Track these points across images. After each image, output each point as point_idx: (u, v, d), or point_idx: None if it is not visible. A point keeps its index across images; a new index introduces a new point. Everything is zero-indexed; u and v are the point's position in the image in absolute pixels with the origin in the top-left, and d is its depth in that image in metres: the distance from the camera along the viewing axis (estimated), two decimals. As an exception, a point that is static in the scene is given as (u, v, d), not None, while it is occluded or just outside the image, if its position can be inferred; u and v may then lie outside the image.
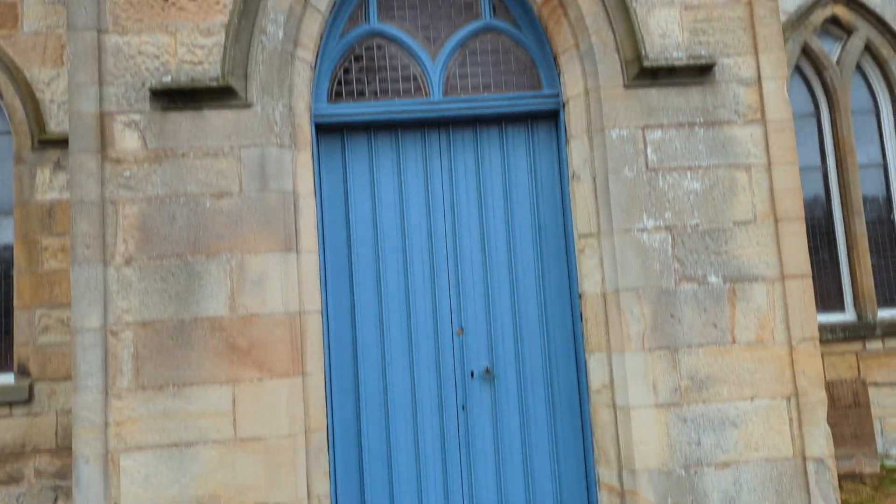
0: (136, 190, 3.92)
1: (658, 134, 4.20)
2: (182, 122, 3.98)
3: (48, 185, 5.96)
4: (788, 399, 4.12)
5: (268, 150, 4.00)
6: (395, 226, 4.43)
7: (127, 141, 3.96)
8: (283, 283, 3.92)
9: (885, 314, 6.84)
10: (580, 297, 4.32)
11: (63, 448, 5.87)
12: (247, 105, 4.02)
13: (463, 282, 4.43)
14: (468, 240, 4.46)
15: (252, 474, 3.79)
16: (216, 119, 4.00)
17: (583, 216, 4.29)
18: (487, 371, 4.38)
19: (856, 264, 6.84)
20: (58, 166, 5.95)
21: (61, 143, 5.83)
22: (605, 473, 4.16)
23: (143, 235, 3.87)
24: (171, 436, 3.77)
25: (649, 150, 4.18)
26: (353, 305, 4.35)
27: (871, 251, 6.95)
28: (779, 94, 4.26)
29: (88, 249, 3.81)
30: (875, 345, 6.68)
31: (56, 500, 5.94)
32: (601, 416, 4.18)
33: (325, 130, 4.44)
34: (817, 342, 4.19)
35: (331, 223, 4.37)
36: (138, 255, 3.86)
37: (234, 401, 3.83)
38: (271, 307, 3.89)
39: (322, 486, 4.02)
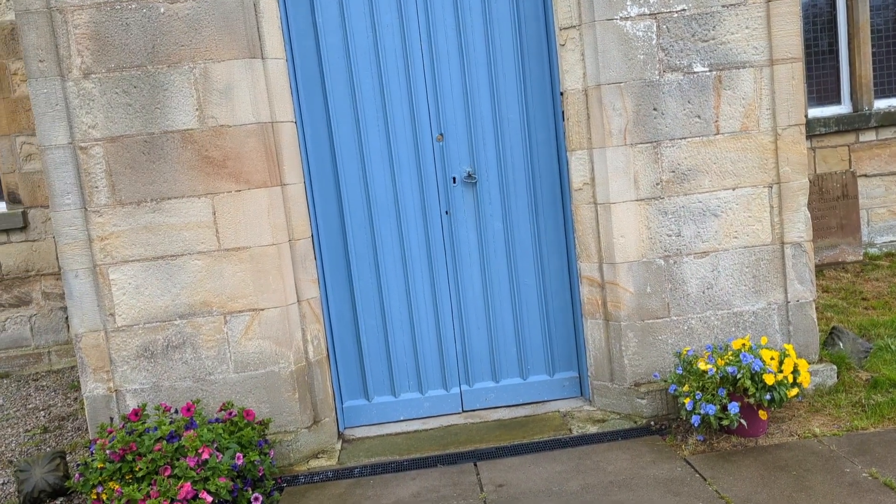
0: (83, -4, 3.69)
1: None
2: (125, -81, 3.66)
3: (5, 4, 5.65)
4: (770, 187, 4.11)
5: (220, -53, 3.70)
6: (366, 27, 4.20)
7: (68, -56, 3.67)
8: (251, 92, 3.80)
9: (882, 104, 6.68)
10: (562, 94, 4.19)
11: (65, 273, 6.03)
12: None
13: (441, 85, 4.28)
14: (444, 40, 4.25)
15: (240, 282, 3.89)
16: (161, -86, 3.67)
17: (563, 6, 4.05)
18: (469, 175, 4.35)
19: (855, 54, 6.58)
20: (12, -15, 5.62)
21: (11, -42, 5.47)
22: (587, 267, 4.25)
23: (98, 46, 3.69)
24: (157, 249, 3.83)
25: (633, -72, 3.87)
26: (329, 115, 4.23)
27: (871, 40, 6.65)
28: None
29: (42, 63, 3.65)
30: (868, 136, 6.57)
31: (67, 318, 6.19)
32: (582, 213, 4.21)
33: (284, -76, 4.09)
34: (803, 128, 4.11)
35: (297, 27, 4.14)
36: (96, 67, 3.70)
37: (214, 213, 3.84)
38: (241, 117, 3.79)
39: (311, 291, 4.14)
